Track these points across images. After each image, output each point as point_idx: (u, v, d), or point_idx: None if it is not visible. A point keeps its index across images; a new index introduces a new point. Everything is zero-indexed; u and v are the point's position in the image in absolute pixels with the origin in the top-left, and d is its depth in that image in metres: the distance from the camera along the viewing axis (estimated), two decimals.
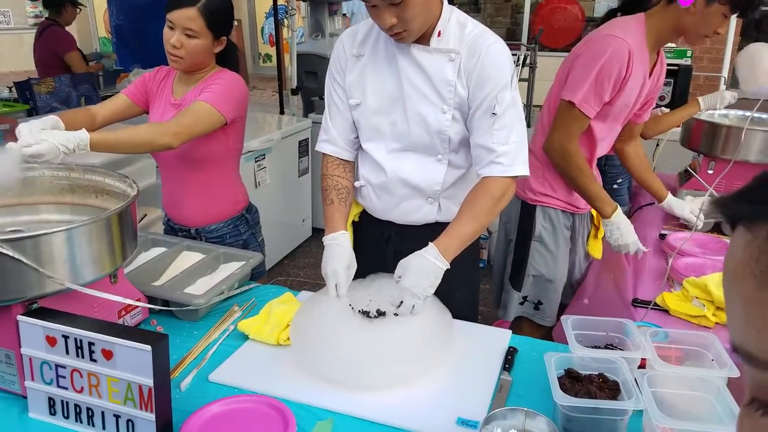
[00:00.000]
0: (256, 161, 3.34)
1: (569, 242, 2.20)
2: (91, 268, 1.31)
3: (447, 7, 1.53)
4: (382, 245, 1.76)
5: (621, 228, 2.01)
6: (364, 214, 1.78)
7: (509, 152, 1.50)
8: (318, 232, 4.25)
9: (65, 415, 1.22)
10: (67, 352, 1.17)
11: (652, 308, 1.77)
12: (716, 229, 2.39)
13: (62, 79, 3.36)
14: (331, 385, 1.33)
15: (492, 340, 1.55)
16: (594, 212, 2.21)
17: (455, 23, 1.52)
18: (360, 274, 1.61)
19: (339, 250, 1.55)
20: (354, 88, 1.61)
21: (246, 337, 1.52)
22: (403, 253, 1.53)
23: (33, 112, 3.25)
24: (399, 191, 1.65)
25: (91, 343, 1.15)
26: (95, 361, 1.16)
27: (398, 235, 1.73)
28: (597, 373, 1.26)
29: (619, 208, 2.02)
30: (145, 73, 2.06)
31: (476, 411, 1.27)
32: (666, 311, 1.75)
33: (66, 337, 1.16)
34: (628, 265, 2.15)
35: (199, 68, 1.92)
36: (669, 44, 2.26)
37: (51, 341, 1.18)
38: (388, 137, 1.61)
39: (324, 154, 1.71)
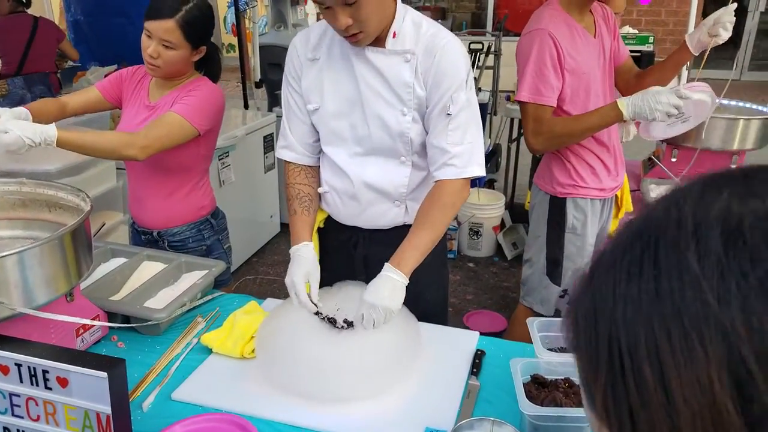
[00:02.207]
0: (219, 159, 3.27)
1: (597, 230, 2.22)
2: (45, 290, 1.27)
3: (401, 6, 1.50)
4: (350, 250, 1.73)
5: (641, 103, 1.82)
6: (330, 220, 1.74)
7: (463, 153, 1.49)
8: (286, 228, 4.18)
9: None
10: (21, 381, 1.13)
11: None
12: None
13: (15, 81, 3.24)
14: (296, 398, 1.31)
15: (460, 344, 1.54)
16: (618, 193, 2.24)
17: (410, 23, 1.50)
18: (329, 280, 1.59)
19: (298, 261, 1.53)
20: (311, 93, 1.58)
21: (210, 350, 1.49)
22: (372, 258, 1.54)
23: None
24: (365, 196, 1.62)
25: (45, 371, 1.11)
26: (50, 389, 1.12)
27: (366, 240, 1.70)
28: (563, 377, 1.26)
29: (618, 100, 1.88)
30: (121, 70, 2.02)
31: (444, 420, 1.27)
32: None
33: (19, 365, 1.12)
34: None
35: (177, 76, 1.90)
36: (630, 31, 2.28)
37: (3, 369, 1.13)
38: (349, 141, 1.58)
39: (285, 161, 1.68)
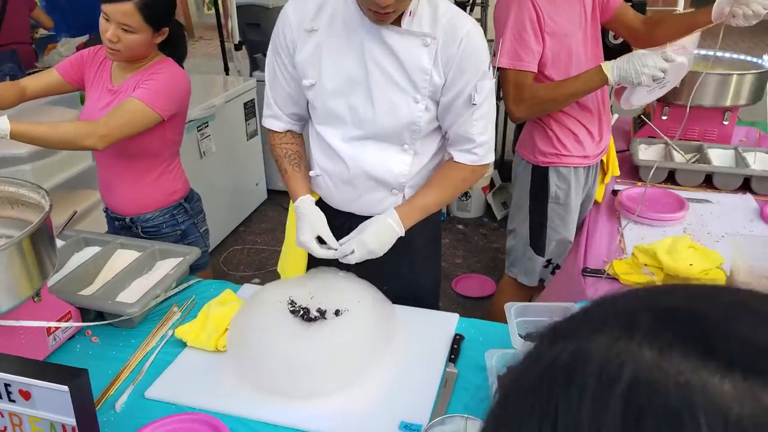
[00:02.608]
0: (198, 130, 3.18)
1: (581, 199, 2.19)
2: (6, 297, 1.23)
3: None
4: (343, 235, 1.62)
5: (626, 66, 1.75)
6: (321, 203, 1.64)
7: (486, 143, 1.49)
8: (273, 194, 4.15)
9: None
10: None
11: (601, 276, 1.75)
12: (670, 179, 2.36)
13: None
14: (269, 395, 1.29)
15: (438, 327, 1.51)
16: (604, 158, 2.19)
17: (426, 3, 1.39)
18: (321, 264, 1.57)
19: (302, 219, 1.51)
20: (307, 67, 1.46)
21: (185, 343, 1.47)
22: None
23: None
24: (361, 184, 1.54)
25: (7, 384, 1.08)
26: (14, 401, 1.10)
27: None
28: None
29: (602, 64, 1.81)
30: (82, 51, 1.93)
31: (420, 412, 1.25)
32: (617, 280, 1.74)
33: None
34: (583, 228, 2.12)
35: (139, 59, 1.81)
36: None
37: None
38: (347, 123, 1.48)
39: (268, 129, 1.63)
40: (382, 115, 1.45)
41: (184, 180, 2.03)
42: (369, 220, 1.48)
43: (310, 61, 1.45)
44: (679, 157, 2.44)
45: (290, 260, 1.71)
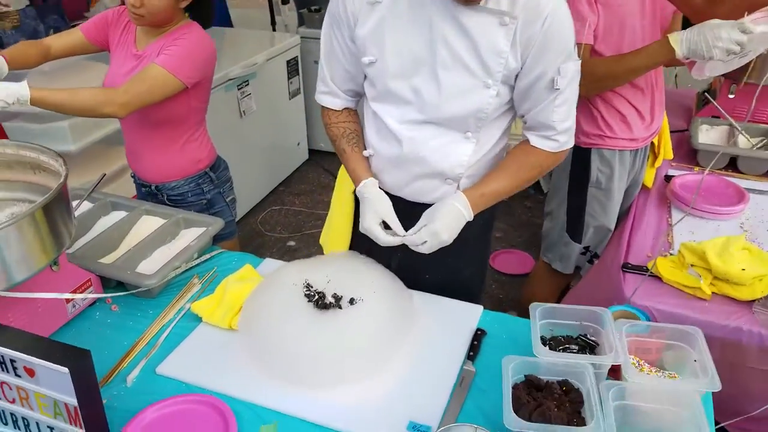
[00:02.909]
0: (239, 89, 3.12)
1: (626, 184, 2.05)
2: (21, 268, 1.22)
3: None
4: None
5: (697, 38, 1.59)
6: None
7: (568, 129, 1.38)
8: (314, 154, 4.10)
9: (3, 421, 1.18)
10: None
11: (643, 273, 1.63)
12: (731, 165, 2.17)
13: (26, 11, 3.12)
14: (279, 381, 1.26)
15: (460, 320, 1.44)
16: (655, 140, 2.04)
17: None
18: (363, 245, 1.53)
19: (365, 203, 1.43)
20: (368, 43, 1.34)
21: (200, 318, 1.45)
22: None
23: None
24: (414, 170, 1.44)
25: (12, 360, 1.08)
26: (20, 376, 1.10)
27: (406, 212, 1.46)
28: (561, 379, 1.16)
29: (670, 36, 1.65)
30: (107, 12, 1.88)
31: (431, 412, 1.20)
32: (659, 278, 1.62)
33: None
34: (628, 216, 1.98)
35: (164, 24, 1.75)
36: None
37: None
38: (409, 105, 1.38)
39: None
40: (448, 100, 1.33)
41: (210, 148, 1.98)
42: (436, 206, 1.38)
43: (371, 36, 1.33)
44: (743, 142, 2.25)
45: (334, 234, 1.64)
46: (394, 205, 1.45)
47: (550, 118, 1.34)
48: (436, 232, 1.33)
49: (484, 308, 1.49)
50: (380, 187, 1.47)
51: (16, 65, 1.70)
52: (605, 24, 1.75)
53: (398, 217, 1.44)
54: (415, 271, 1.49)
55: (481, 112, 1.34)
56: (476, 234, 1.51)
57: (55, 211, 1.27)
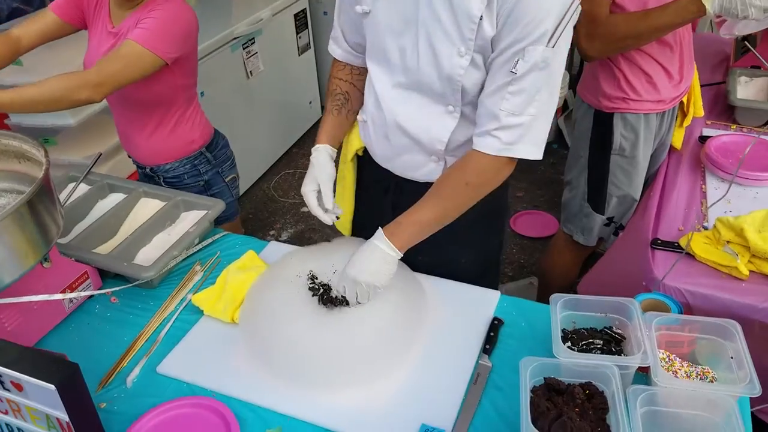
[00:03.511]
0: (244, 48, 2.97)
1: (652, 149, 1.90)
2: (9, 268, 1.16)
3: None
4: (380, 193, 1.49)
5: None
6: (368, 153, 1.49)
7: (516, 127, 1.15)
8: None
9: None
10: None
11: (677, 251, 1.51)
12: None
13: None
14: (281, 382, 1.19)
15: (475, 309, 1.35)
16: (684, 98, 1.87)
17: None
18: (361, 218, 1.53)
19: (310, 169, 1.38)
20: None
21: (202, 310, 1.38)
22: (401, 207, 1.29)
23: None
24: (397, 140, 1.35)
25: None
26: (8, 390, 1.04)
27: (397, 188, 1.44)
28: (583, 382, 1.07)
29: None
30: None
31: (444, 413, 1.13)
32: (692, 256, 1.50)
33: None
34: (656, 183, 1.84)
35: None
36: None
37: None
38: (396, 66, 1.27)
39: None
40: (424, 65, 1.22)
41: (204, 127, 1.87)
42: (358, 249, 1.26)
43: None
44: None
45: (338, 201, 1.56)
46: (384, 178, 1.42)
47: (497, 105, 1.15)
48: (351, 277, 1.21)
49: (505, 273, 1.41)
50: (373, 157, 1.42)
51: None
52: None
53: (391, 192, 1.40)
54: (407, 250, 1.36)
55: (454, 81, 1.20)
56: (474, 218, 1.34)
57: (39, 206, 1.20)
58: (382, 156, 1.42)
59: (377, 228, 1.28)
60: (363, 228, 1.51)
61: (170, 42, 1.56)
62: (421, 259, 1.41)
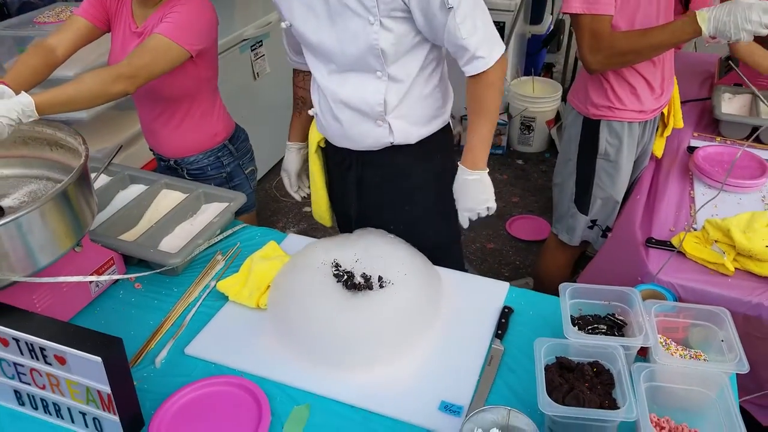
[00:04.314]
0: (252, 50, 3.04)
1: (635, 156, 2.02)
2: (46, 252, 1.21)
3: None
4: (344, 173, 1.69)
5: (726, 18, 1.53)
6: (327, 141, 1.70)
7: (483, 41, 1.38)
8: None
9: (33, 406, 1.19)
10: (22, 353, 1.11)
11: (670, 249, 1.61)
12: (753, 134, 2.13)
13: None
14: (308, 362, 1.26)
15: (486, 298, 1.44)
16: (665, 110, 2.00)
17: None
18: (336, 205, 1.81)
19: (283, 163, 1.85)
20: (281, 6, 1.50)
21: (227, 296, 1.44)
22: (365, 182, 1.63)
23: None
24: (342, 115, 1.54)
25: (42, 348, 1.08)
26: (50, 364, 1.10)
27: (358, 163, 1.64)
28: (591, 360, 1.16)
29: (697, 13, 1.58)
30: None
31: (461, 392, 1.20)
32: (683, 254, 1.60)
33: (17, 340, 1.09)
34: (638, 187, 1.96)
35: None
36: None
37: (3, 342, 1.11)
38: (325, 56, 1.48)
39: None
40: (346, 45, 1.42)
41: (227, 120, 1.94)
42: (459, 188, 1.54)
43: (280, 1, 1.48)
44: (765, 111, 2.20)
45: (315, 205, 1.85)
46: (345, 157, 1.64)
47: (459, 37, 1.35)
48: (471, 209, 1.54)
49: (502, 274, 1.53)
50: (330, 142, 1.66)
51: (27, 86, 1.53)
52: None
53: (354, 169, 1.65)
54: (374, 222, 1.56)
55: (373, 48, 1.39)
56: (420, 183, 1.63)
57: (77, 192, 1.25)
58: (336, 136, 1.61)
59: (349, 209, 1.70)
60: (342, 215, 1.81)
61: (195, 34, 1.63)
62: (393, 228, 1.53)
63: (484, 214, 1.55)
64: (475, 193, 1.51)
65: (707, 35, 1.56)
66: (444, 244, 1.71)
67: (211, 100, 1.87)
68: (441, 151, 1.63)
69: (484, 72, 1.40)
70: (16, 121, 1.28)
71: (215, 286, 1.47)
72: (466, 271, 1.61)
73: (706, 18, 1.54)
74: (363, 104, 1.49)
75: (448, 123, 1.65)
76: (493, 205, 1.53)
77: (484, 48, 1.38)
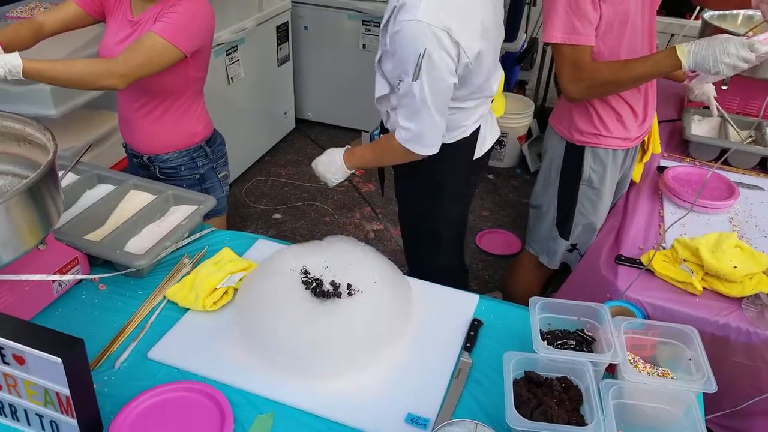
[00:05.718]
0: (227, 54, 3.02)
1: (617, 181, 2.03)
2: (8, 249, 1.17)
3: None
4: None
5: (705, 52, 1.55)
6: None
7: (405, 132, 1.60)
8: (301, 124, 4.03)
9: None
10: None
11: (638, 267, 1.63)
12: (722, 157, 2.18)
13: None
14: (273, 370, 1.24)
15: (456, 310, 1.43)
16: (646, 138, 2.01)
17: None
18: None
19: None
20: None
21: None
22: None
23: None
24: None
25: (0, 347, 1.04)
26: (8, 364, 1.06)
27: None
28: (560, 376, 1.16)
29: (677, 47, 1.61)
30: None
31: (428, 404, 1.19)
32: (651, 272, 1.63)
33: None
34: (616, 209, 1.98)
35: None
36: None
37: None
38: None
39: None
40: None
41: (207, 121, 1.92)
42: (329, 151, 1.82)
43: None
44: (734, 134, 2.25)
45: None
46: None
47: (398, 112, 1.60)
48: (314, 166, 1.83)
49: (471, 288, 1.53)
50: None
51: (11, 48, 1.59)
52: (607, 22, 1.69)
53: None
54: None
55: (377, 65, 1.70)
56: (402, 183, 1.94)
57: (44, 189, 1.22)
58: None
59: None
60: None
61: (192, 37, 1.63)
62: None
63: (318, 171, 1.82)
64: (328, 165, 1.78)
65: (687, 69, 1.58)
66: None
67: (194, 99, 1.85)
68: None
69: (397, 141, 1.62)
70: (1, 78, 1.36)
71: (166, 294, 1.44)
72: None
73: (685, 52, 1.56)
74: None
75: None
76: (331, 183, 1.80)
77: (404, 135, 1.60)
